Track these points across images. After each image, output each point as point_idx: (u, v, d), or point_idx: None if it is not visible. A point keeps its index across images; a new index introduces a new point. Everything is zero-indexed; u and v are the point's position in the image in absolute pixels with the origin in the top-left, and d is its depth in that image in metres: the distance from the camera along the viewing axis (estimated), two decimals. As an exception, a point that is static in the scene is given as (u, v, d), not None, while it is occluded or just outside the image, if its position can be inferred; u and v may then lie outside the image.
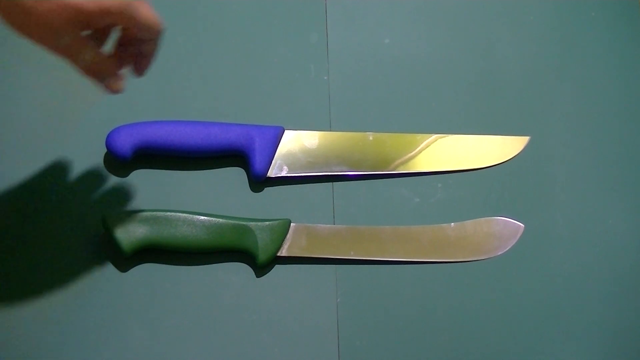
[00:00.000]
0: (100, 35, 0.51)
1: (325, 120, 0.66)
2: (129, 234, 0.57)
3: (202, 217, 0.58)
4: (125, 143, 0.59)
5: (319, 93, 0.67)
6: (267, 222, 0.59)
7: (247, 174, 0.62)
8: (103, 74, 0.50)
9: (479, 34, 0.71)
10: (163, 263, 0.59)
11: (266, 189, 0.62)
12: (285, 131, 0.63)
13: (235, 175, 0.62)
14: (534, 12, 0.72)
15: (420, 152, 0.65)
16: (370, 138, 0.64)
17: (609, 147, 0.68)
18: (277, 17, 0.69)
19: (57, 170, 0.61)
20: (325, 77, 0.67)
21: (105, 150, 0.61)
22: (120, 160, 0.60)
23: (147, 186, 0.61)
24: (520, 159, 0.67)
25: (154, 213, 0.58)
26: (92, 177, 0.61)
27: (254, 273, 0.60)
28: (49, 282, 0.57)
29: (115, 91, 0.51)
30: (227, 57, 0.67)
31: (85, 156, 0.61)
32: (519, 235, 0.63)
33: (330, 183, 0.64)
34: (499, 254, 0.63)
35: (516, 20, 0.72)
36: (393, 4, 0.71)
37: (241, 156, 0.62)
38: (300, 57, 0.68)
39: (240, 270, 0.60)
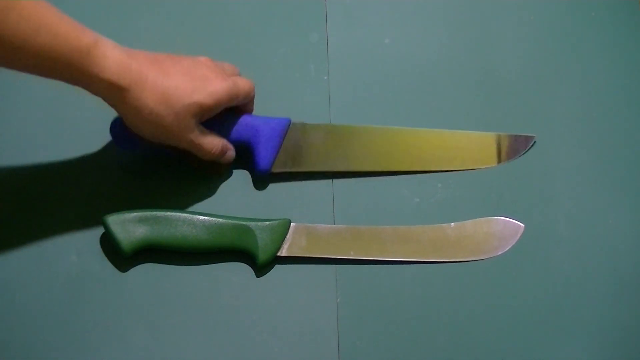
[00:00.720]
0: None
1: (325, 120, 0.66)
2: (129, 234, 0.57)
3: (202, 217, 0.58)
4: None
5: (319, 93, 0.67)
6: (267, 222, 0.59)
7: (249, 169, 0.62)
8: (223, 154, 0.58)
9: (479, 34, 0.71)
10: (163, 263, 0.59)
11: (267, 189, 0.62)
12: (292, 123, 0.62)
13: (237, 174, 0.63)
14: (534, 12, 0.72)
15: (424, 149, 0.65)
16: (376, 133, 0.65)
17: (609, 147, 0.68)
18: (277, 17, 0.69)
19: (57, 170, 0.61)
20: (325, 77, 0.67)
21: (105, 150, 0.61)
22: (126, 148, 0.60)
23: (147, 186, 0.61)
24: (520, 159, 0.67)
25: (154, 213, 0.58)
26: (92, 177, 0.61)
27: (254, 273, 0.60)
28: (49, 283, 0.57)
29: (228, 161, 0.60)
30: (227, 57, 0.66)
31: (85, 156, 0.61)
32: (519, 235, 0.63)
33: (331, 183, 0.64)
34: (499, 254, 0.63)
35: (516, 20, 0.72)
36: (393, 4, 0.71)
37: (245, 148, 0.61)
38: (300, 57, 0.68)
39: (240, 270, 0.60)
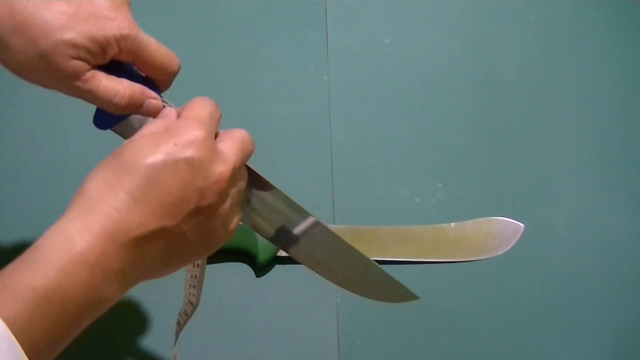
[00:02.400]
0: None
1: (325, 120, 0.66)
2: (129, 234, 0.57)
3: (202, 217, 0.58)
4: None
5: (319, 93, 0.67)
6: (267, 222, 0.59)
7: None
8: (138, 104, 0.45)
9: (479, 34, 0.71)
10: (163, 263, 0.59)
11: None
12: None
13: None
14: (534, 12, 0.72)
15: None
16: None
17: (609, 147, 0.68)
18: (277, 17, 0.69)
19: (57, 170, 0.61)
20: (325, 77, 0.67)
21: (105, 150, 0.61)
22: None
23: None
24: (520, 159, 0.67)
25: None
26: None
27: (254, 273, 0.60)
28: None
29: (155, 111, 0.46)
30: (227, 57, 0.67)
31: (86, 156, 0.61)
32: (519, 235, 0.63)
33: (331, 183, 0.64)
34: (499, 254, 0.63)
35: (516, 20, 0.72)
36: (393, 4, 0.71)
37: None
38: (300, 57, 0.68)
39: (240, 270, 0.60)
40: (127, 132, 0.48)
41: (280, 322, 0.59)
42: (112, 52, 0.43)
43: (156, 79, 0.47)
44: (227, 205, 0.43)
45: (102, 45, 0.43)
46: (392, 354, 0.59)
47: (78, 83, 0.43)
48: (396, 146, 0.66)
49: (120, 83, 0.44)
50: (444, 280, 0.62)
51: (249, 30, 0.68)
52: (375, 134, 0.66)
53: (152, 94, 0.46)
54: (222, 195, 0.42)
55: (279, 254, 0.59)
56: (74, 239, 0.38)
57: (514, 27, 0.72)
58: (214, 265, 0.60)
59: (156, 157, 0.39)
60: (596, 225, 0.65)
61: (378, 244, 0.61)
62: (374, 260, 0.61)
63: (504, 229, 0.64)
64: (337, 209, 0.63)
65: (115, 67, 0.45)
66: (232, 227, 0.45)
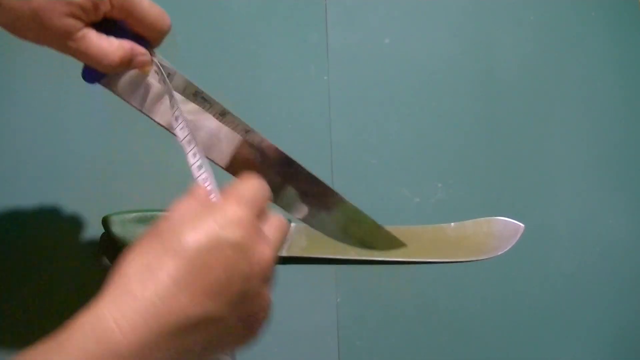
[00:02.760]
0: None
1: (325, 120, 0.66)
2: (129, 234, 0.57)
3: (202, 217, 0.58)
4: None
5: (319, 93, 0.67)
6: (267, 222, 0.59)
7: None
8: (128, 61, 0.45)
9: (478, 33, 0.71)
10: (163, 263, 0.59)
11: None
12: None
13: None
14: (534, 12, 0.72)
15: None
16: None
17: (609, 147, 0.68)
18: (277, 17, 0.69)
19: (57, 169, 0.61)
20: (325, 77, 0.67)
21: (105, 150, 0.61)
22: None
23: (147, 186, 0.61)
24: (520, 159, 0.67)
25: (154, 213, 0.58)
26: (92, 177, 0.61)
27: (254, 273, 0.60)
28: (49, 283, 0.57)
29: (143, 66, 0.46)
30: (227, 57, 0.67)
31: (85, 156, 0.61)
32: (519, 235, 0.63)
33: (331, 183, 0.64)
34: (499, 254, 0.63)
35: (516, 20, 0.72)
36: (393, 4, 0.71)
37: None
38: (300, 57, 0.68)
39: (240, 270, 0.60)
40: (115, 85, 0.47)
41: (280, 322, 0.59)
42: (104, 8, 0.43)
43: (147, 36, 0.46)
44: (268, 289, 0.41)
45: (95, 1, 0.42)
46: (392, 354, 0.59)
47: (70, 42, 0.42)
48: (396, 146, 0.66)
49: (110, 44, 0.44)
50: (444, 280, 0.62)
51: (249, 30, 0.68)
52: (375, 134, 0.66)
53: (141, 49, 0.45)
54: (265, 279, 0.40)
55: (279, 254, 0.59)
56: (110, 329, 0.34)
57: (514, 27, 0.72)
58: (214, 265, 0.60)
59: (201, 241, 0.37)
60: (596, 225, 0.65)
61: (378, 244, 0.61)
62: (374, 260, 0.61)
63: (504, 229, 0.64)
64: (337, 209, 0.63)
65: (107, 25, 0.44)
66: (268, 312, 0.42)
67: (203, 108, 0.50)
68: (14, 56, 0.64)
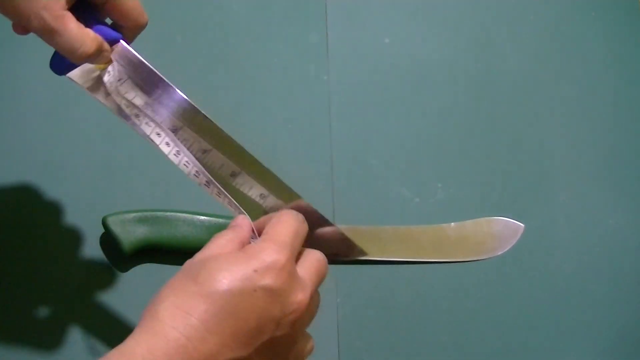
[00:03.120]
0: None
1: (325, 120, 0.66)
2: (129, 234, 0.57)
3: (202, 217, 0.58)
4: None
5: (319, 93, 0.67)
6: (267, 222, 0.59)
7: None
8: (98, 54, 0.43)
9: (479, 34, 0.71)
10: (163, 263, 0.59)
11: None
12: None
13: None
14: (534, 11, 0.72)
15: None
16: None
17: (609, 147, 0.68)
18: (277, 17, 0.69)
19: (57, 170, 0.61)
20: (325, 77, 0.67)
21: (105, 150, 0.61)
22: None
23: (147, 186, 0.61)
24: (520, 159, 0.67)
25: (154, 213, 0.58)
26: (92, 177, 0.61)
27: (254, 273, 0.60)
28: (49, 282, 0.57)
29: (105, 61, 0.44)
30: (227, 57, 0.67)
31: (85, 156, 0.61)
32: (519, 235, 0.63)
33: (331, 183, 0.64)
34: (499, 254, 0.63)
35: (516, 21, 0.72)
36: (393, 4, 0.71)
37: None
38: (300, 57, 0.68)
39: (240, 270, 0.60)
40: (83, 80, 0.46)
41: (280, 322, 0.59)
42: None
43: (122, 28, 0.45)
44: (303, 335, 0.41)
45: None
46: (392, 354, 0.59)
47: (47, 16, 0.40)
48: (396, 146, 0.66)
49: (88, 32, 0.42)
50: (444, 280, 0.62)
51: (249, 30, 0.68)
52: (375, 134, 0.66)
53: (107, 46, 0.44)
54: (298, 323, 0.40)
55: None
56: None
57: (514, 26, 0.72)
58: (214, 265, 0.60)
59: (234, 284, 0.37)
60: (596, 225, 0.65)
61: (378, 244, 0.61)
62: (374, 260, 0.61)
63: (504, 229, 0.63)
64: (337, 209, 0.63)
65: (80, 10, 0.43)
66: (305, 355, 0.42)
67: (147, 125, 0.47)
68: (15, 55, 0.64)
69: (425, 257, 0.62)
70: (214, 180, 0.45)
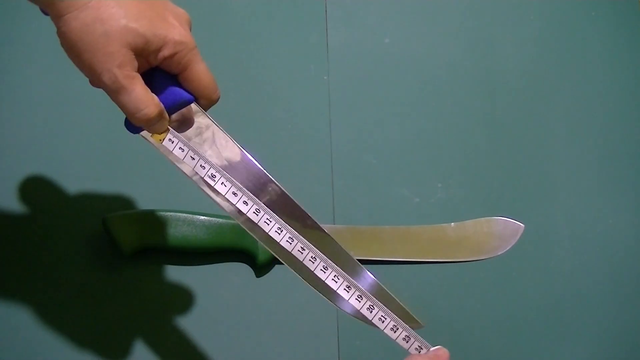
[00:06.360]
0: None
1: (325, 120, 0.66)
2: (129, 234, 0.57)
3: (202, 217, 0.58)
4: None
5: (319, 93, 0.67)
6: (267, 222, 0.59)
7: None
8: (157, 119, 0.45)
9: (479, 34, 0.71)
10: (163, 263, 0.59)
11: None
12: None
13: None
14: (534, 12, 0.72)
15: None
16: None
17: (609, 147, 0.68)
18: (277, 17, 0.69)
19: (57, 170, 0.61)
20: (325, 77, 0.67)
21: (105, 150, 0.61)
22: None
23: (147, 186, 0.61)
24: (520, 159, 0.67)
25: (154, 213, 0.58)
26: (92, 177, 0.61)
27: (254, 273, 0.60)
28: (49, 282, 0.57)
29: (158, 131, 0.47)
30: (227, 57, 0.67)
31: (85, 156, 0.61)
32: (519, 235, 0.63)
33: (331, 183, 0.64)
34: (499, 254, 0.63)
35: (516, 20, 0.72)
36: (393, 4, 0.71)
37: None
38: (300, 57, 0.68)
39: (240, 270, 0.60)
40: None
41: (280, 322, 0.59)
42: (167, 53, 0.44)
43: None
44: None
45: (161, 43, 0.43)
46: (392, 354, 0.59)
47: (119, 73, 0.42)
48: (396, 146, 0.66)
49: (152, 98, 0.44)
50: (444, 280, 0.62)
51: (249, 30, 0.68)
52: (375, 134, 0.66)
53: (167, 115, 0.46)
54: None
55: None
56: None
57: (514, 27, 0.72)
58: (214, 265, 0.60)
59: None
60: (596, 225, 0.65)
61: (378, 244, 0.61)
62: (374, 260, 0.61)
63: (504, 229, 0.64)
64: (337, 209, 0.63)
65: (155, 76, 0.45)
66: None
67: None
68: (15, 55, 0.64)
69: (425, 257, 0.62)
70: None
